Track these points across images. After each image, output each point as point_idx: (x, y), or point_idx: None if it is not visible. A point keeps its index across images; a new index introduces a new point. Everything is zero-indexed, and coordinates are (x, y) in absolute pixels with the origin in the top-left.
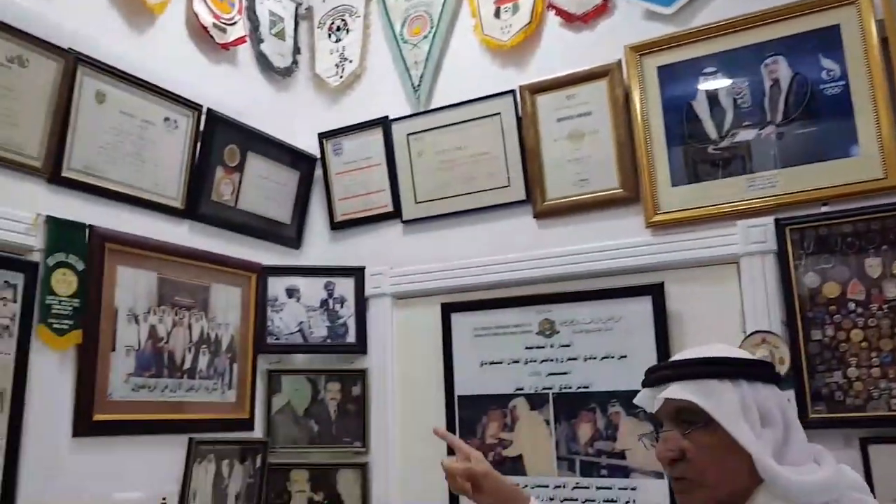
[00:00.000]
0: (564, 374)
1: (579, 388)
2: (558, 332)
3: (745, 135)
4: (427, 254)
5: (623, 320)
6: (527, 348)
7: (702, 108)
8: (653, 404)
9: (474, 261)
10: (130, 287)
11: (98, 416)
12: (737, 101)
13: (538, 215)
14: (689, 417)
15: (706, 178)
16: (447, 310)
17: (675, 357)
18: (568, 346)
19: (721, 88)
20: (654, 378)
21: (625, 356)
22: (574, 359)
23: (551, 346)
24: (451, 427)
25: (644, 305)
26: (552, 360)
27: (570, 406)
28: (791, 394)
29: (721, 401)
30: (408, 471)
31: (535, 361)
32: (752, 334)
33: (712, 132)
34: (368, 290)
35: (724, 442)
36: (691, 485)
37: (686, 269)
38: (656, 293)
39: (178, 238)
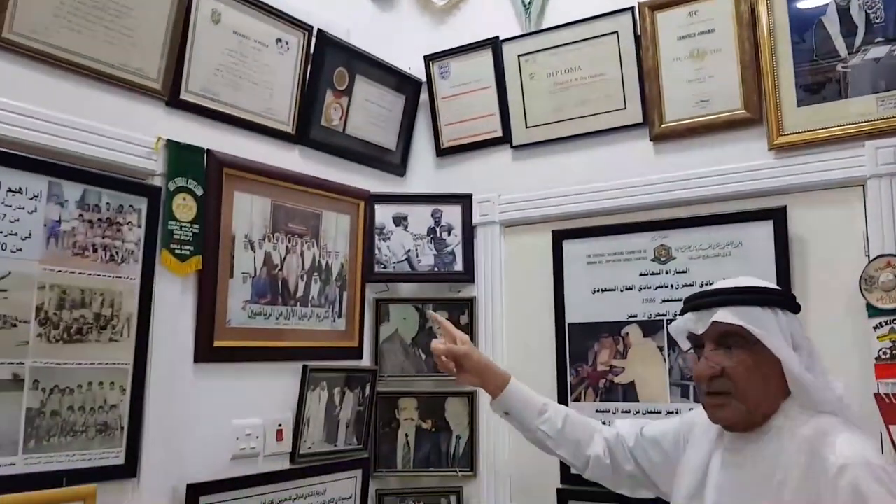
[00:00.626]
0: (680, 300)
1: None
2: (674, 259)
3: (877, 52)
4: (537, 180)
5: (742, 246)
6: (641, 275)
7: (832, 23)
8: (696, 327)
9: (587, 186)
10: (247, 213)
11: (218, 343)
12: (869, 15)
13: (655, 138)
14: (732, 340)
15: (834, 98)
16: (559, 237)
17: (717, 286)
18: (684, 272)
19: (853, 3)
20: (701, 303)
21: None
22: (690, 285)
23: (666, 273)
24: (560, 355)
25: (765, 230)
26: (667, 287)
27: None
28: None
29: (765, 325)
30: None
31: (649, 288)
32: (876, 258)
33: (842, 49)
34: (476, 218)
35: (761, 361)
36: (727, 399)
37: (810, 193)
38: (778, 217)
39: (289, 164)
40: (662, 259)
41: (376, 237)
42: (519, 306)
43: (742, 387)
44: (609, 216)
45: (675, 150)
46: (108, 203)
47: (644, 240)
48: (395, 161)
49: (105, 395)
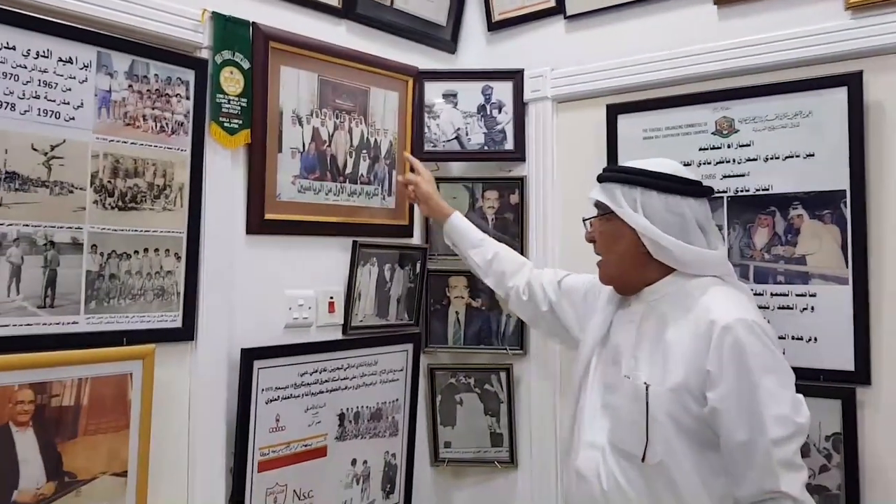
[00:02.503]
0: (742, 175)
1: (758, 190)
2: (737, 131)
3: None
4: (592, 52)
5: (812, 115)
6: (700, 149)
7: None
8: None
9: (644, 57)
10: (293, 88)
11: (269, 216)
12: None
13: (719, 2)
14: (602, 211)
15: None
16: (613, 111)
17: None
18: (748, 145)
19: None
20: (597, 178)
21: (812, 154)
22: (754, 159)
23: (728, 147)
24: None
25: (838, 97)
26: (728, 162)
27: (745, 210)
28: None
29: (619, 201)
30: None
31: (709, 164)
32: None
33: None
34: (527, 94)
35: (619, 232)
36: (600, 262)
37: (889, 56)
38: (853, 83)
39: (336, 39)
40: (724, 132)
41: (425, 115)
42: (572, 185)
43: (604, 252)
44: (667, 87)
45: (740, 14)
46: (156, 74)
47: (705, 112)
48: (444, 37)
49: (161, 262)
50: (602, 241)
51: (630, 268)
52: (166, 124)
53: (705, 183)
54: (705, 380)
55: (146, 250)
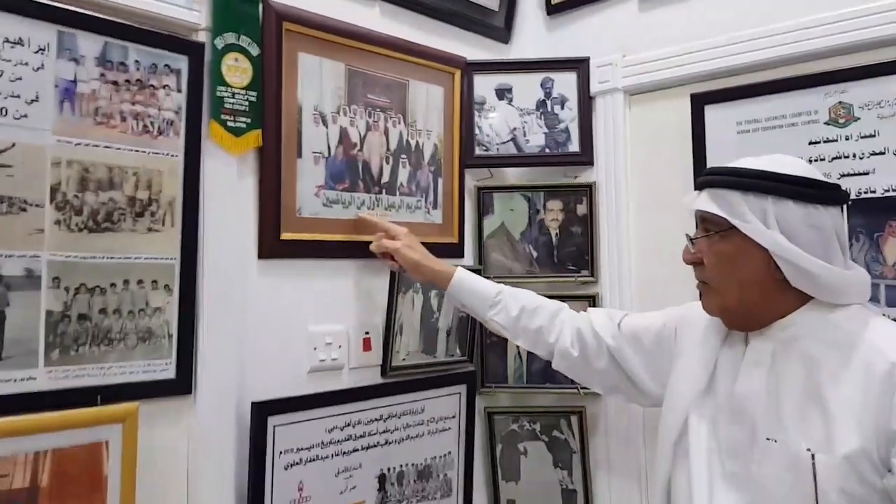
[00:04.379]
0: (865, 174)
1: (886, 191)
2: (857, 119)
3: None
4: (670, 33)
5: None
6: (811, 143)
7: None
8: (689, 206)
9: (736, 35)
10: (315, 79)
11: (286, 235)
12: None
13: None
14: (711, 226)
15: None
16: (699, 102)
17: (733, 164)
18: (871, 136)
19: None
20: (698, 182)
21: None
22: (879, 153)
23: (846, 139)
24: None
25: None
26: (847, 157)
27: (872, 215)
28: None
29: (742, 213)
30: (646, 303)
31: (822, 160)
32: None
33: None
34: (595, 86)
35: (741, 251)
36: (707, 288)
37: None
38: None
39: (368, 22)
40: (841, 121)
41: (475, 114)
42: (650, 192)
43: (718, 278)
44: (765, 70)
45: None
46: (136, 61)
47: (815, 97)
48: (497, 23)
49: (146, 296)
50: (716, 264)
51: (757, 297)
52: (151, 123)
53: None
54: (890, 442)
55: (126, 282)
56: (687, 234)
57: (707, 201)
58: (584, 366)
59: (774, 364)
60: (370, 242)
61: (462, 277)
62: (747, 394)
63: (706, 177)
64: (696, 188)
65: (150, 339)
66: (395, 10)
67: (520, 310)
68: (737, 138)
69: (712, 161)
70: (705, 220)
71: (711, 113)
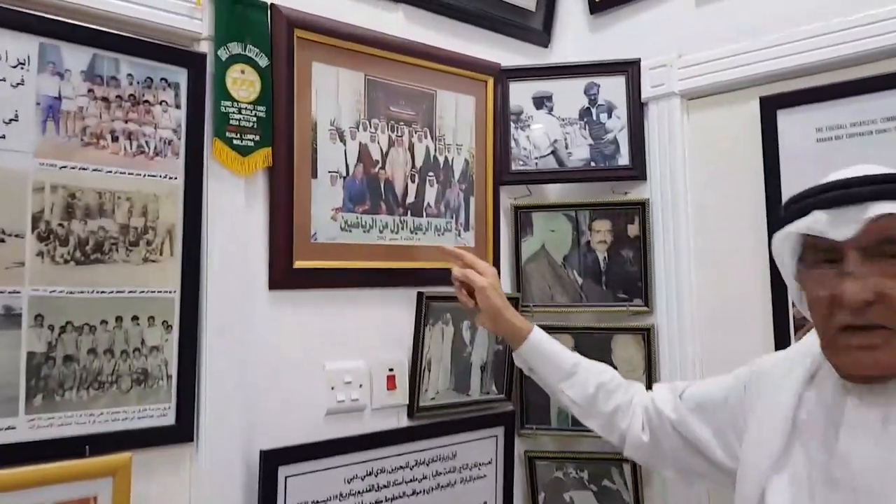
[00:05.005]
0: None
1: None
2: None
3: None
4: (734, 28)
5: None
6: None
7: None
8: (838, 230)
9: (814, 27)
10: (331, 92)
11: (300, 263)
12: None
13: None
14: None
15: None
16: (771, 105)
17: (865, 171)
18: None
19: None
20: (847, 196)
21: None
22: None
23: None
24: (778, 280)
25: None
26: None
27: None
28: None
29: None
30: (711, 337)
31: None
32: None
33: None
34: (647, 91)
35: None
36: (885, 335)
37: None
38: None
39: (390, 28)
40: None
41: (512, 125)
42: (712, 209)
43: None
44: (850, 68)
45: None
46: (129, 75)
47: None
48: (534, 25)
49: (142, 334)
50: None
51: None
52: (147, 143)
53: None
54: None
55: (119, 319)
56: (835, 265)
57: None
58: (655, 450)
59: (887, 427)
60: (395, 270)
61: (540, 339)
62: (855, 460)
63: (878, 185)
64: (834, 203)
65: (146, 381)
66: (420, 14)
67: (597, 387)
68: (816, 148)
69: (788, 175)
70: (886, 242)
71: (785, 118)
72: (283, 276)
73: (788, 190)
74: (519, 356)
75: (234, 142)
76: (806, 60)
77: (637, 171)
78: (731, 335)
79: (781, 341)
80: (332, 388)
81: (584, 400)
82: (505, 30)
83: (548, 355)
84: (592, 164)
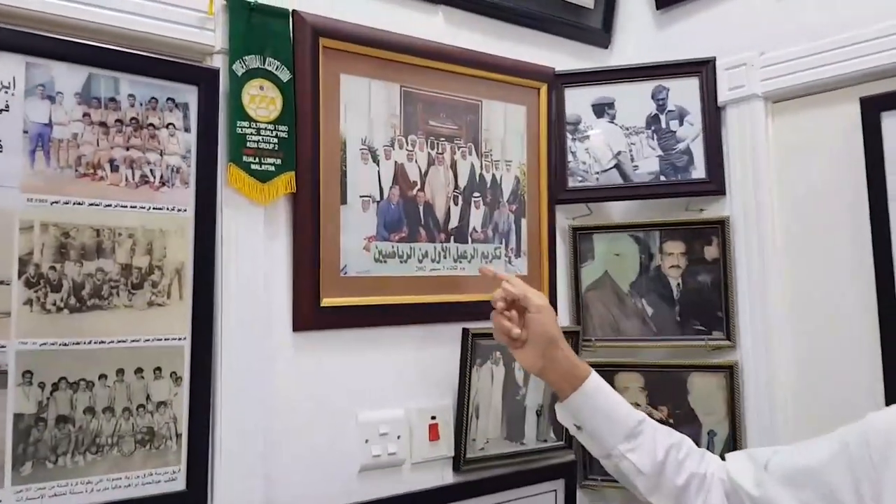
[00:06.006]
0: None
1: None
2: None
3: None
4: (825, 20)
5: None
6: None
7: None
8: None
9: None
10: (362, 106)
11: (328, 301)
12: None
13: None
14: None
15: None
16: (873, 107)
17: None
18: None
19: None
20: None
21: None
22: None
23: None
24: (889, 305)
25: None
26: None
27: None
28: None
29: None
30: (806, 377)
31: None
32: None
33: None
34: (724, 93)
35: None
36: None
37: None
38: None
39: (429, 33)
40: None
41: (568, 137)
42: (805, 229)
43: None
44: None
45: None
46: (130, 95)
47: None
48: (593, 24)
49: (147, 388)
50: None
51: None
52: (151, 171)
53: None
54: None
55: (121, 372)
56: None
57: None
58: None
59: None
60: (436, 305)
61: (599, 386)
62: None
63: None
64: None
65: (152, 441)
66: (462, 16)
67: (667, 451)
68: None
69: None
70: None
71: (891, 121)
72: (309, 315)
73: None
74: (567, 407)
75: (253, 166)
76: None
77: (715, 184)
78: (830, 376)
79: (893, 386)
80: (367, 442)
81: (652, 468)
82: (559, 30)
83: (608, 407)
84: (662, 177)
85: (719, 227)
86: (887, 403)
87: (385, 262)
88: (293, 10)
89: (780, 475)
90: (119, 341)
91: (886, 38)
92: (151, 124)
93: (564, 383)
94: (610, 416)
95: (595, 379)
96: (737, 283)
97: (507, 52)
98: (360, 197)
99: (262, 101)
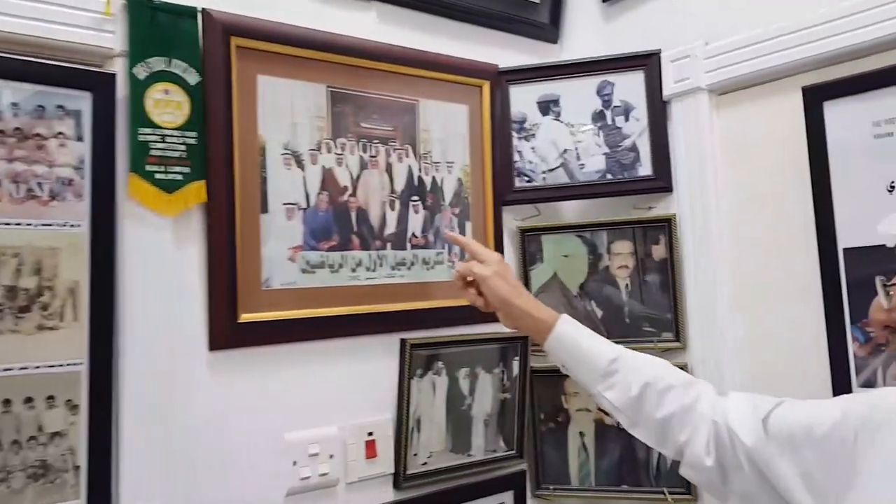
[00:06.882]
0: None
1: None
2: None
3: None
4: (768, 9)
5: None
6: None
7: None
8: None
9: (862, 1)
10: (284, 109)
11: (247, 316)
12: None
13: None
14: None
15: None
16: (815, 96)
17: None
18: None
19: None
20: None
21: None
22: None
23: None
24: (832, 306)
25: None
26: None
27: None
28: None
29: None
30: (757, 377)
31: None
32: None
33: None
34: (669, 87)
35: None
36: None
37: None
38: None
39: (359, 30)
40: None
41: (514, 136)
42: (751, 224)
43: None
44: None
45: None
46: (13, 104)
47: None
48: (540, 19)
49: (39, 418)
50: None
51: None
52: (39, 185)
53: None
54: None
55: (7, 403)
56: (880, 279)
57: None
58: (718, 478)
59: None
60: (372, 314)
61: (565, 332)
62: None
63: None
64: None
65: (46, 475)
66: (399, 13)
67: (642, 387)
68: (874, 144)
69: (840, 178)
70: None
71: (834, 111)
72: (226, 333)
73: (841, 196)
74: (549, 353)
75: (157, 176)
76: (856, 41)
77: (661, 181)
78: (779, 375)
79: (840, 382)
80: (295, 463)
81: (627, 404)
82: (505, 26)
83: (578, 351)
84: (609, 176)
85: (667, 226)
86: None
87: (314, 272)
88: (202, 9)
89: (781, 432)
90: (5, 370)
91: (829, 23)
92: (38, 134)
93: (536, 334)
94: (582, 359)
95: (563, 326)
96: (685, 283)
97: (452, 51)
98: (284, 205)
99: (168, 106)
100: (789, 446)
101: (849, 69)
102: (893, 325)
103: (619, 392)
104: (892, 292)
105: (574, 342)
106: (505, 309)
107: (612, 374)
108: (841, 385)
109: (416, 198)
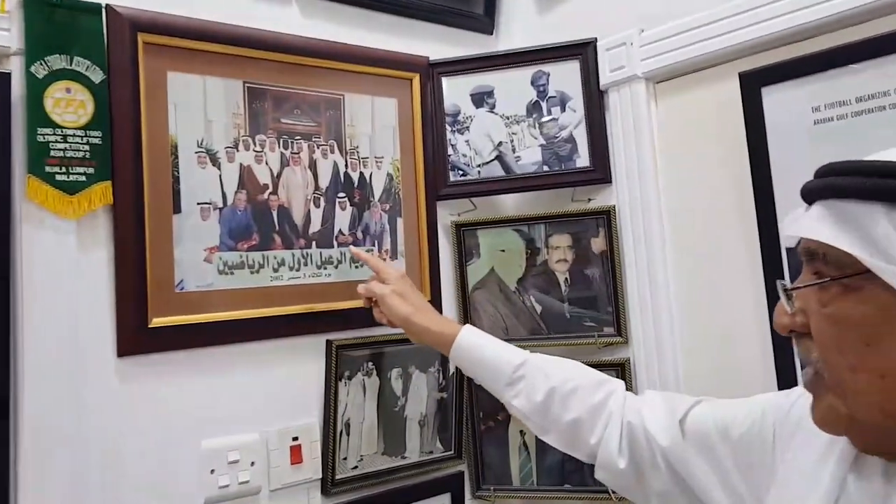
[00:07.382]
0: None
1: None
2: None
3: None
4: None
5: None
6: None
7: None
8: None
9: None
10: (196, 106)
11: (158, 320)
12: None
13: None
14: (824, 268)
15: None
16: (752, 82)
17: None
18: None
19: None
20: (806, 189)
21: None
22: None
23: None
24: (774, 300)
25: None
26: None
27: None
28: None
29: (880, 243)
30: (699, 372)
31: None
32: None
33: None
34: (605, 76)
35: (875, 314)
36: (817, 383)
37: None
38: None
39: (281, 25)
40: None
41: (447, 129)
42: (691, 214)
43: (833, 361)
44: (852, 27)
45: None
46: None
47: None
48: (474, 10)
49: None
50: (834, 337)
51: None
52: None
53: None
54: None
55: None
56: (780, 283)
57: (822, 224)
58: (634, 481)
59: None
60: (296, 315)
61: (467, 343)
62: None
63: (823, 179)
64: (804, 198)
65: None
66: (322, 7)
67: (548, 392)
68: (814, 130)
69: (780, 165)
70: (814, 258)
71: (772, 97)
72: (135, 338)
73: (780, 183)
74: (454, 361)
75: (59, 177)
76: (793, 24)
77: (599, 172)
78: (725, 368)
79: (786, 374)
80: (212, 472)
81: (533, 410)
82: (439, 18)
83: (482, 360)
84: (546, 167)
85: (605, 218)
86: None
87: (231, 273)
88: (107, 5)
89: (696, 432)
90: None
91: (765, 6)
92: None
93: (440, 348)
94: (487, 368)
95: (466, 336)
96: (626, 276)
97: (385, 45)
98: (199, 204)
99: (70, 105)
100: (706, 447)
101: (786, 53)
102: (798, 330)
103: (525, 399)
104: (792, 296)
105: (477, 352)
106: (404, 326)
107: (517, 381)
108: (786, 377)
109: (342, 194)
